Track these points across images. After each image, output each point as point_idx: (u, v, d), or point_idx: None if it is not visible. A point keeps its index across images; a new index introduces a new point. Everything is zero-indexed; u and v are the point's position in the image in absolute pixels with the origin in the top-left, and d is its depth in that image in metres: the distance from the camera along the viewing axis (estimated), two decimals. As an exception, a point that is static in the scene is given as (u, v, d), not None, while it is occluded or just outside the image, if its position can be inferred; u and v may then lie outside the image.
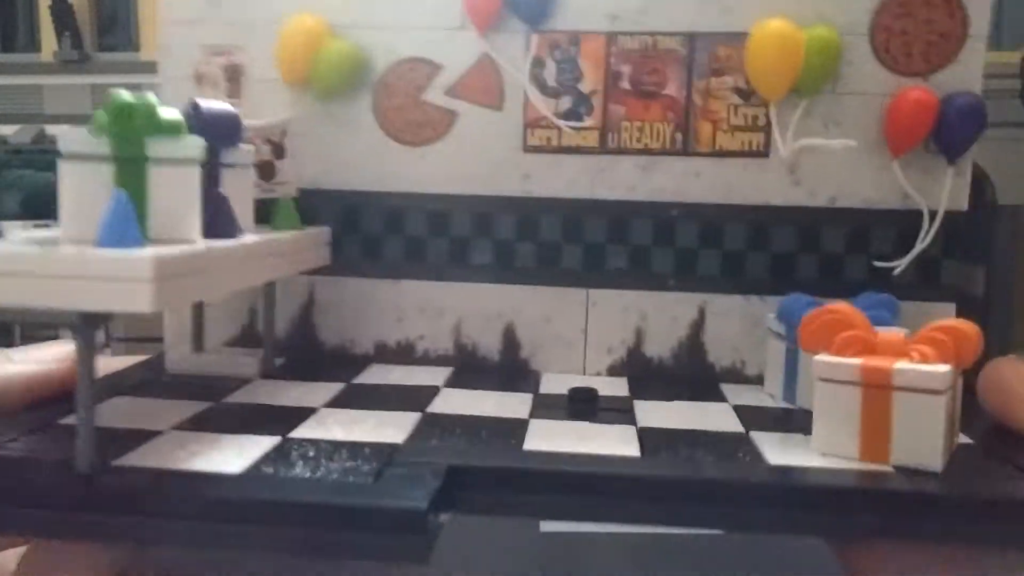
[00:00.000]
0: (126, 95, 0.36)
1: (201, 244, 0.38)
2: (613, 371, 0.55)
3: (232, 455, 0.37)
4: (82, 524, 0.33)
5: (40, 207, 1.98)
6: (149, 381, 0.49)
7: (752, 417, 0.46)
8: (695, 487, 0.36)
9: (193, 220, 0.39)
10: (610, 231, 0.54)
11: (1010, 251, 1.97)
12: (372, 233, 0.56)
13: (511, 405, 0.47)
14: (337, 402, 0.46)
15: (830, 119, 0.52)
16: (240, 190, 0.47)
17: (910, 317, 0.52)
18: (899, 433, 0.38)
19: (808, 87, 0.51)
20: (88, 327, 0.33)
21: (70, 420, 0.40)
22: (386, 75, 0.55)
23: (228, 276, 0.39)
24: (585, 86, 0.54)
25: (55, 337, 1.17)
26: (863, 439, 0.39)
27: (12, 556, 0.36)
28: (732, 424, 0.45)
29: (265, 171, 0.56)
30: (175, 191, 0.38)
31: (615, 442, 0.41)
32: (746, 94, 0.53)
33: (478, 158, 0.54)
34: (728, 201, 0.53)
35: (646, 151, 0.53)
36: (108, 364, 0.50)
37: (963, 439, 0.42)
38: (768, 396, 0.51)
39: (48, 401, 0.42)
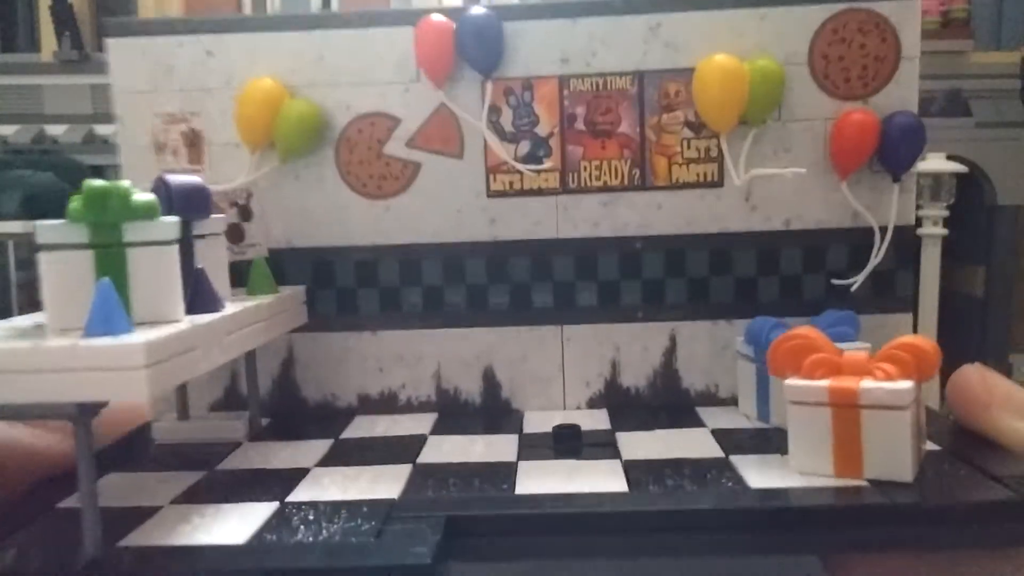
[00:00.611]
0: (99, 182, 0.37)
1: (185, 322, 0.38)
2: (592, 403, 0.57)
3: (234, 525, 0.37)
4: None
5: (40, 207, 1.94)
6: (139, 453, 0.49)
7: (730, 440, 0.47)
8: (684, 518, 0.38)
9: (175, 299, 0.39)
10: (578, 268, 0.56)
11: (1010, 251, 2.03)
12: (346, 287, 0.57)
13: (498, 448, 0.48)
14: (328, 460, 0.47)
15: (779, 145, 0.55)
16: (215, 259, 0.48)
17: (870, 329, 0.55)
18: (870, 448, 0.40)
19: (755, 116, 0.53)
20: (85, 416, 0.34)
21: (71, 503, 0.40)
22: (347, 131, 0.56)
23: (215, 351, 0.40)
24: (542, 129, 0.55)
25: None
26: (837, 456, 0.41)
27: None
28: (712, 449, 0.46)
29: (234, 234, 0.57)
30: (155, 272, 0.39)
31: (603, 477, 0.42)
32: (697, 127, 0.55)
33: (444, 206, 0.56)
34: (689, 231, 0.55)
35: (606, 188, 0.55)
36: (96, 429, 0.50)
37: (931, 446, 0.44)
38: (743, 417, 0.53)
39: (45, 476, 0.42)
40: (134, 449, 0.50)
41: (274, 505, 0.40)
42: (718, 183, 0.55)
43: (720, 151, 0.54)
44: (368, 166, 0.56)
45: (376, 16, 0.55)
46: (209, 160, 0.56)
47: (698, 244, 0.55)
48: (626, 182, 0.55)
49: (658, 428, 0.51)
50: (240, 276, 0.52)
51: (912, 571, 0.39)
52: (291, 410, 0.57)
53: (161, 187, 0.46)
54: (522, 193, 0.56)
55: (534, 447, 0.48)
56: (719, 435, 0.49)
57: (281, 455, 0.48)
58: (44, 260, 0.37)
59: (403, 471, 0.44)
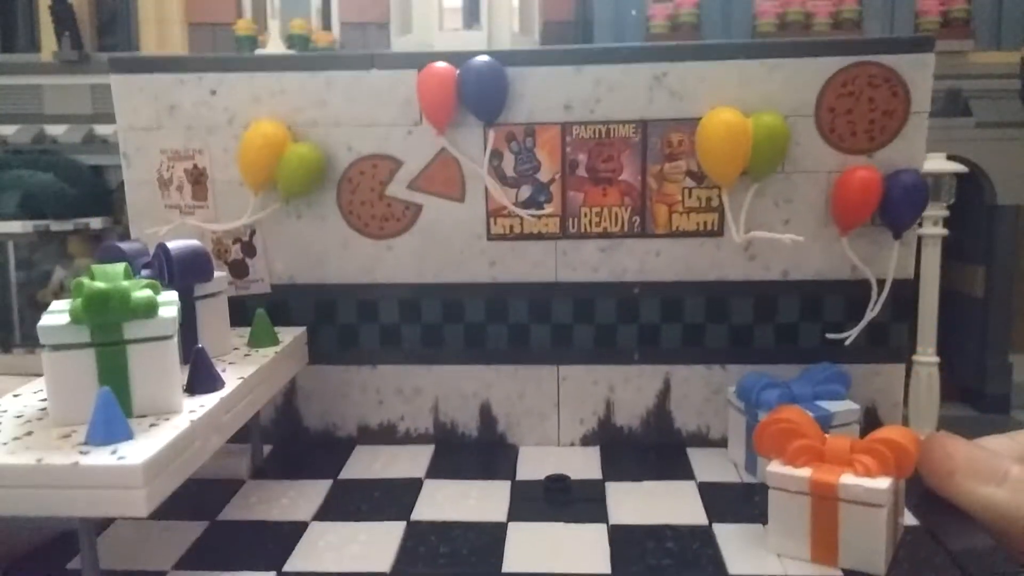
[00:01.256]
0: (98, 284, 0.38)
1: (185, 416, 0.40)
2: (586, 440, 0.58)
3: None
4: None
5: (39, 207, 1.97)
6: None
7: (715, 502, 0.49)
8: None
9: (175, 389, 0.41)
10: (576, 311, 0.57)
11: (1010, 251, 2.01)
12: (347, 323, 0.58)
13: (491, 502, 0.49)
14: (326, 511, 0.49)
15: (781, 197, 0.54)
16: (216, 317, 0.49)
17: (863, 378, 0.55)
18: (846, 539, 0.42)
19: (758, 170, 0.53)
20: (89, 526, 0.36)
21: (76, 564, 0.42)
22: (349, 171, 0.56)
23: (213, 439, 0.41)
24: (543, 175, 0.55)
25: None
26: (813, 543, 0.43)
27: None
28: (696, 513, 0.48)
29: (238, 270, 0.57)
30: (154, 366, 0.40)
31: (588, 551, 0.44)
32: (699, 177, 0.54)
33: (444, 247, 0.56)
34: (687, 278, 0.56)
35: (606, 235, 0.55)
36: None
37: (909, 519, 0.46)
38: (732, 464, 0.54)
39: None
40: None
41: None
42: (718, 232, 0.55)
43: (721, 201, 0.54)
44: (370, 207, 0.56)
45: (379, 59, 0.54)
46: (213, 197, 0.56)
47: (696, 291, 0.56)
48: (626, 229, 0.55)
49: (646, 479, 0.52)
50: (244, 313, 0.54)
51: None
52: (293, 438, 0.59)
53: (161, 253, 0.47)
54: (522, 237, 0.56)
55: (526, 500, 0.50)
56: (706, 492, 0.50)
57: (281, 501, 0.50)
58: (47, 359, 0.38)
59: (396, 532, 0.46)
